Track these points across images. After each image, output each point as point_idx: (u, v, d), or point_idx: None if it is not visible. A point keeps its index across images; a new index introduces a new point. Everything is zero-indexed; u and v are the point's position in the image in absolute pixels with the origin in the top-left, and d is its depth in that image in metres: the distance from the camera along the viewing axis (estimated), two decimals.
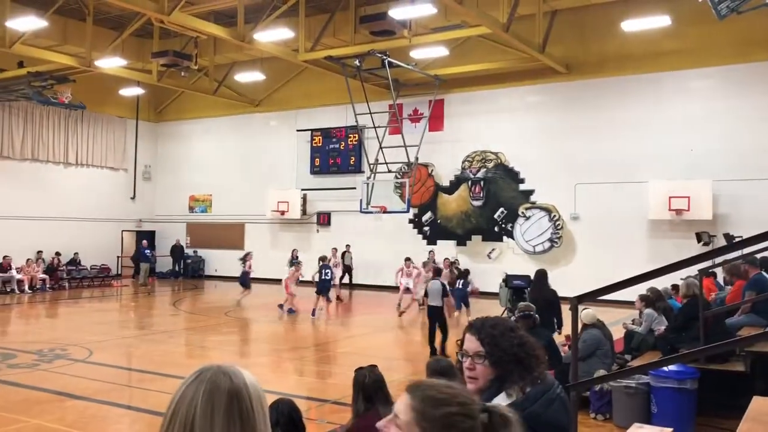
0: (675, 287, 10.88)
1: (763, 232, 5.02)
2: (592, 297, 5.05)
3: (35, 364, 10.65)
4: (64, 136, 25.87)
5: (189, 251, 28.10)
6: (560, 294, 10.55)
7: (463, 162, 22.42)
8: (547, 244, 20.86)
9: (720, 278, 12.46)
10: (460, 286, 16.50)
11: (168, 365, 10.66)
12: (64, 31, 21.45)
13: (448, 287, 12.35)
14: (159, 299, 21.83)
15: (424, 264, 19.66)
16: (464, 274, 17.99)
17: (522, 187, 21.39)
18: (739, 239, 8.97)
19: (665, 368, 7.06)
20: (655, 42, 18.73)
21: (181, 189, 28.83)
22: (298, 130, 25.73)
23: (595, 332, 8.24)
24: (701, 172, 18.13)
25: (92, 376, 9.93)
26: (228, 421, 1.42)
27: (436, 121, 22.54)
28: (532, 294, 11.08)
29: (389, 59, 19.19)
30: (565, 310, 6.20)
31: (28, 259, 22.98)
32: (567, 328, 7.91)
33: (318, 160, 25.33)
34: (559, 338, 9.92)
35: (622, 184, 19.36)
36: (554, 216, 20.80)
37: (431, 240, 22.76)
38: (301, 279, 17.92)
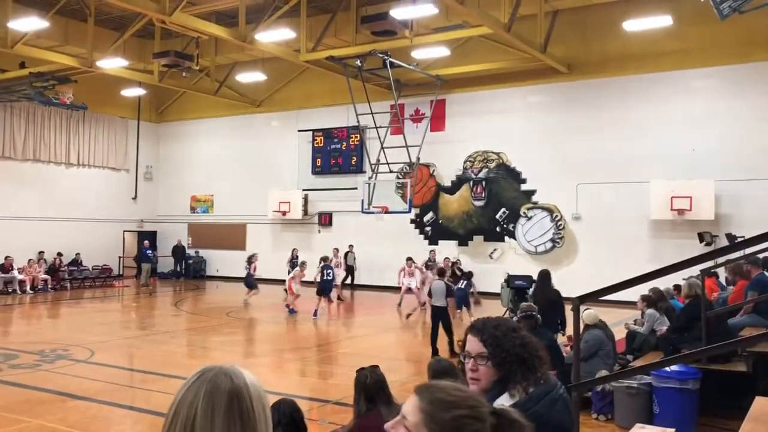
0: (677, 287, 10.87)
1: (766, 232, 5.01)
2: (594, 297, 5.04)
3: (37, 365, 10.65)
4: (65, 137, 25.90)
5: (190, 252, 28.11)
6: (562, 294, 10.53)
7: (464, 162, 22.42)
8: (549, 245, 20.85)
9: (722, 278, 12.46)
10: (462, 287, 16.49)
11: (170, 366, 10.67)
12: (65, 32, 21.46)
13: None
14: (160, 300, 21.85)
15: (426, 265, 19.64)
16: (468, 275, 18.00)
17: (524, 187, 21.38)
18: (742, 239, 8.96)
19: (667, 368, 7.05)
20: (657, 42, 18.71)
21: (183, 189, 28.85)
22: (299, 131, 25.74)
23: (597, 332, 8.23)
24: (703, 172, 18.11)
25: (94, 376, 9.93)
26: (228, 422, 1.41)
27: (437, 122, 22.53)
28: (536, 294, 11.02)
29: (391, 59, 19.19)
30: (567, 311, 6.20)
31: (29, 260, 22.99)
32: (569, 329, 7.91)
33: (319, 160, 25.33)
34: (561, 339, 9.92)
35: (624, 184, 19.34)
36: (556, 216, 20.78)
37: (433, 240, 22.75)
38: (302, 279, 17.92)
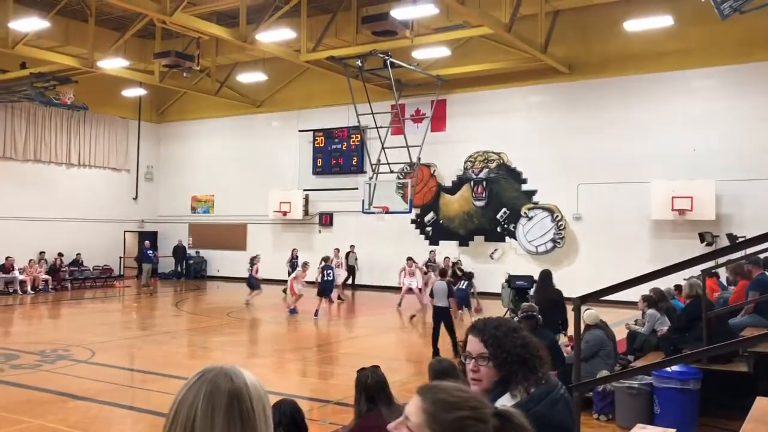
0: (678, 288, 10.86)
1: (767, 232, 5.00)
2: (594, 297, 5.04)
3: (38, 365, 10.66)
4: (66, 137, 25.91)
5: (191, 252, 28.12)
6: (563, 294, 10.52)
7: (465, 162, 22.42)
8: (550, 245, 20.85)
9: (723, 278, 12.45)
10: (462, 287, 16.46)
11: (170, 366, 10.67)
12: (66, 32, 21.47)
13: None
14: (161, 300, 21.85)
15: (427, 266, 19.65)
16: (468, 276, 17.97)
17: (524, 187, 21.38)
18: (742, 239, 8.96)
19: (668, 369, 7.05)
20: (658, 42, 18.71)
21: (184, 189, 28.86)
22: (300, 131, 25.75)
23: (598, 333, 8.23)
24: (704, 172, 18.10)
25: (95, 376, 9.94)
26: (228, 423, 1.41)
27: (438, 122, 22.53)
28: (537, 294, 10.98)
29: (391, 59, 19.19)
30: (569, 311, 6.19)
31: (30, 260, 23.00)
32: (570, 329, 7.90)
33: (320, 160, 25.34)
34: (563, 339, 9.89)
35: (625, 184, 19.34)
36: (557, 216, 20.78)
37: (433, 240, 22.74)
38: (304, 280, 17.92)
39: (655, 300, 9.38)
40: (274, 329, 15.79)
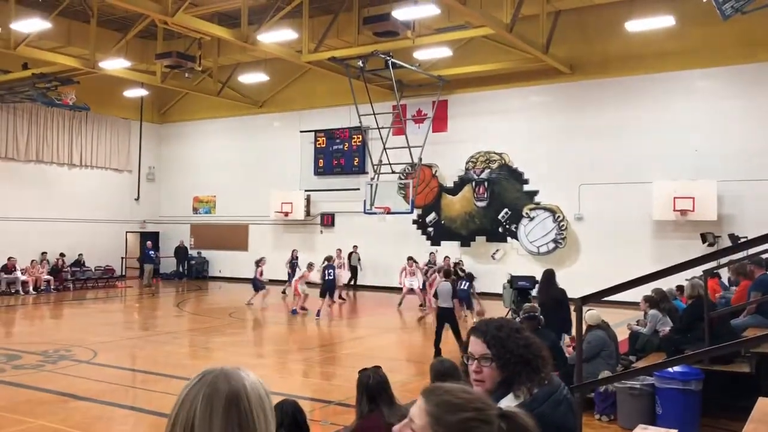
0: (680, 288, 10.86)
1: None
2: (596, 298, 5.04)
3: (40, 365, 10.67)
4: (68, 138, 25.94)
5: (193, 252, 28.15)
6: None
7: (466, 163, 22.41)
8: (552, 245, 20.83)
9: (725, 279, 12.44)
10: (464, 287, 16.44)
11: (172, 366, 10.69)
12: (68, 33, 21.50)
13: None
14: (163, 300, 21.87)
15: (428, 267, 19.62)
16: (469, 276, 17.95)
17: (526, 187, 21.37)
18: (744, 240, 8.95)
19: (670, 369, 7.03)
20: (659, 42, 18.69)
21: (185, 190, 28.88)
22: (301, 131, 25.75)
23: (600, 333, 8.22)
24: (706, 172, 18.09)
25: (97, 377, 9.95)
26: (226, 424, 1.41)
27: (439, 122, 22.52)
28: (541, 294, 10.92)
29: (393, 60, 19.19)
30: (571, 311, 6.19)
31: (32, 261, 23.03)
32: (573, 329, 7.88)
33: (322, 161, 25.34)
34: (567, 340, 9.83)
35: (627, 184, 19.32)
36: (558, 217, 20.77)
37: (435, 241, 22.74)
38: (307, 280, 17.90)
39: (657, 300, 9.37)
40: (275, 330, 15.79)
